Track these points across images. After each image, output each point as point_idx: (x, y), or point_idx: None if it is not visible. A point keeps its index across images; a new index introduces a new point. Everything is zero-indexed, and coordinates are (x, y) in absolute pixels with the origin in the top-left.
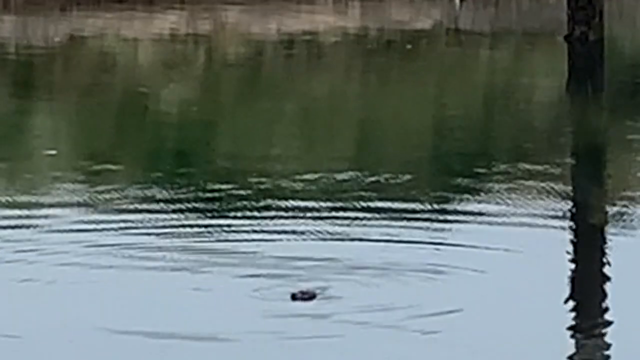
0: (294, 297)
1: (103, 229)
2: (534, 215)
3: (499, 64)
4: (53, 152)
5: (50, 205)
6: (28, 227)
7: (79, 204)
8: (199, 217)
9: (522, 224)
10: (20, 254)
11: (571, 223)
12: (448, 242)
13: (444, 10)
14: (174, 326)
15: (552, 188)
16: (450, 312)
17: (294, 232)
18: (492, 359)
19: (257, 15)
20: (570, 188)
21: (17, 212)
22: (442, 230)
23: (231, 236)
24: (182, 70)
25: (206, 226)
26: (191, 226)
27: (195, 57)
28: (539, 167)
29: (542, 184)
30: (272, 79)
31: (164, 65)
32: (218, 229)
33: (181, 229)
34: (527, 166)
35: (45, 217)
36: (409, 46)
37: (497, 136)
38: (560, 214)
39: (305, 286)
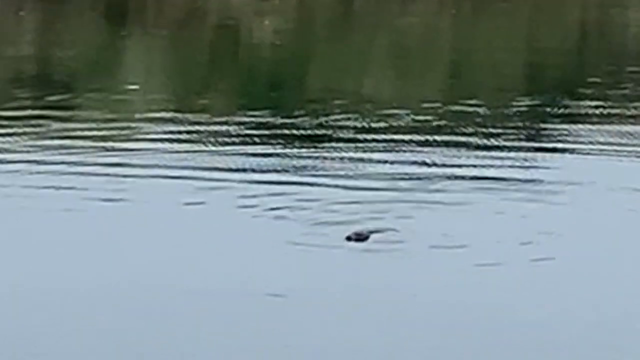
0: (348, 238)
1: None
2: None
3: None
4: (135, 87)
5: (137, 139)
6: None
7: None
8: (286, 148)
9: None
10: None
11: None
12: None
13: None
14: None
15: None
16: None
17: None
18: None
19: None
20: None
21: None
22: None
23: (328, 164)
24: (274, 3)
25: (291, 156)
26: (279, 155)
27: None
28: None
29: None
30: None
31: None
32: (311, 157)
33: (270, 160)
34: (623, 92)
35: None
36: None
37: (593, 62)
38: None
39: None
